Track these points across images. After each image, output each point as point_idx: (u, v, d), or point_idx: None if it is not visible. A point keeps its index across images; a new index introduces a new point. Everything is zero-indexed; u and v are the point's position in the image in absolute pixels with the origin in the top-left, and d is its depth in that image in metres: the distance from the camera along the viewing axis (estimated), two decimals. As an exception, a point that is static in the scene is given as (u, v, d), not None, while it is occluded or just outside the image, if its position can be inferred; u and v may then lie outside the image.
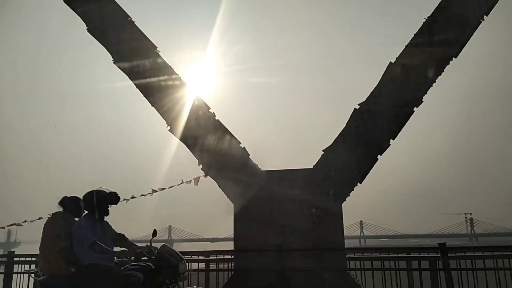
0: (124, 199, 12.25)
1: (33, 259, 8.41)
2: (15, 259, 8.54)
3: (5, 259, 8.62)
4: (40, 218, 13.13)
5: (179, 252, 5.41)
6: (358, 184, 7.85)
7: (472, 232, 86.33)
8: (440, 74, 8.05)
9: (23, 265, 8.45)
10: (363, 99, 8.05)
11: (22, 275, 8.32)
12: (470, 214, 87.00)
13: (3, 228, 12.14)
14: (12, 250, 10.52)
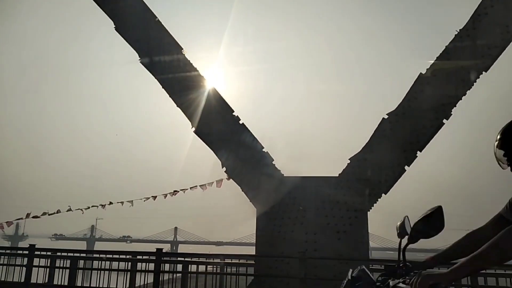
0: (145, 198, 12.36)
1: (59, 253, 8.48)
2: (36, 252, 8.55)
3: (25, 252, 8.64)
4: (58, 212, 13.30)
5: (189, 253, 5.22)
6: (383, 195, 7.77)
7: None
8: (470, 88, 7.96)
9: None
10: (388, 108, 8.01)
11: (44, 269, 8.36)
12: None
13: (21, 219, 12.26)
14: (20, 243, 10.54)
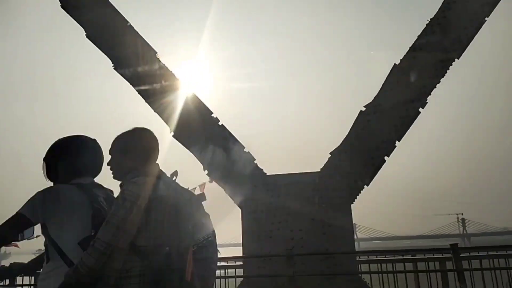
0: None
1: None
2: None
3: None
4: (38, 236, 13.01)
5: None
6: (365, 186, 7.83)
7: (465, 232, 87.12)
8: (443, 76, 8.09)
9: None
10: (364, 101, 8.08)
11: None
12: (462, 214, 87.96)
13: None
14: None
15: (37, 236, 3.01)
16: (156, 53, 8.92)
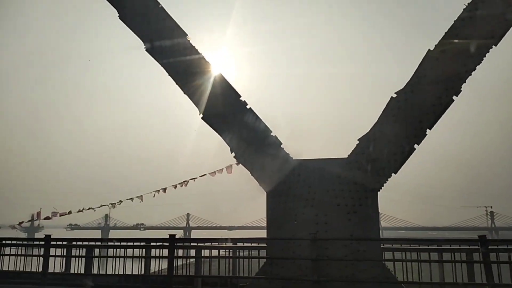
0: (155, 191, 12.47)
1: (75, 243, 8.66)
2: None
3: (42, 242, 8.82)
4: (69, 213, 13.58)
5: (202, 238, 5.29)
6: (393, 174, 7.74)
7: (493, 225, 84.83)
8: (479, 63, 7.80)
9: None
10: (396, 87, 7.90)
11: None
12: (491, 207, 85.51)
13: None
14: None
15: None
16: (187, 35, 9.00)
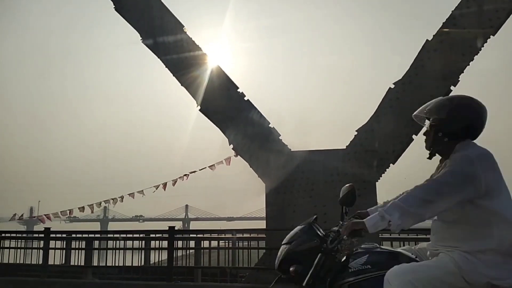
0: (155, 186, 12.47)
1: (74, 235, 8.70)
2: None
3: (41, 235, 8.84)
4: (70, 213, 13.59)
5: (201, 229, 5.31)
6: (391, 165, 7.77)
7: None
8: (477, 53, 7.81)
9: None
10: (393, 78, 7.92)
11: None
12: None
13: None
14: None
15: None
16: (184, 27, 8.95)
